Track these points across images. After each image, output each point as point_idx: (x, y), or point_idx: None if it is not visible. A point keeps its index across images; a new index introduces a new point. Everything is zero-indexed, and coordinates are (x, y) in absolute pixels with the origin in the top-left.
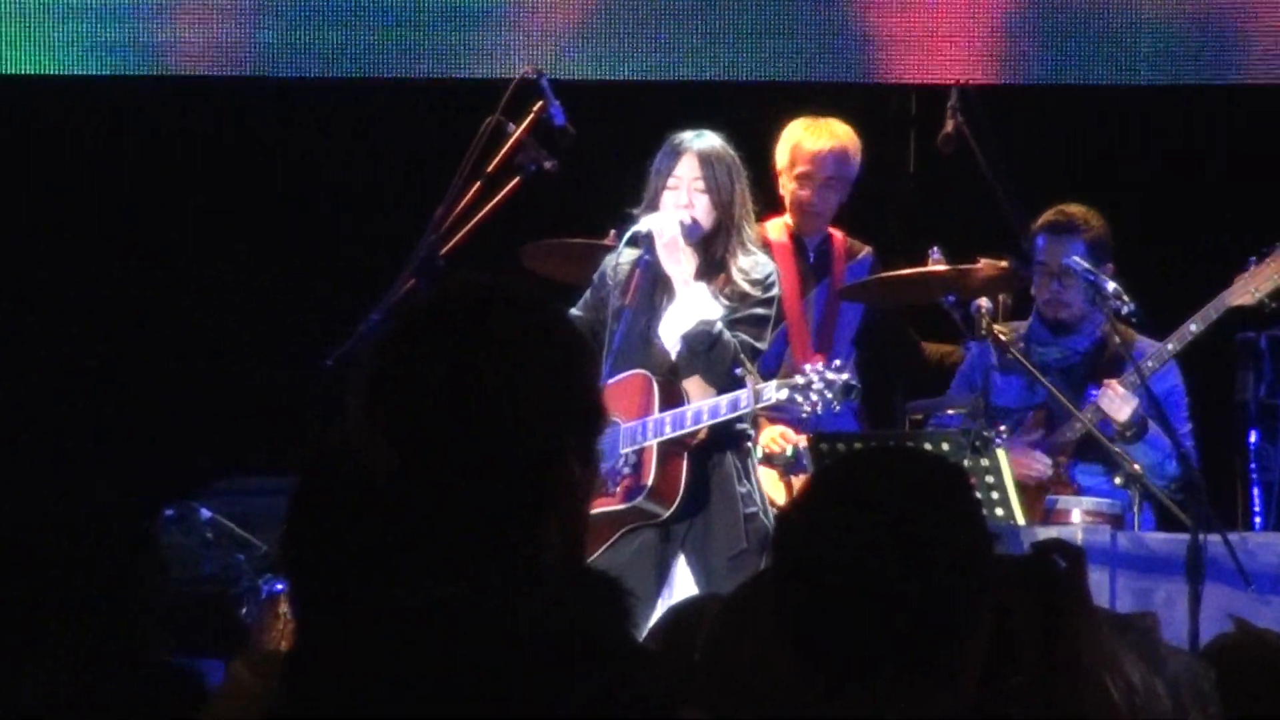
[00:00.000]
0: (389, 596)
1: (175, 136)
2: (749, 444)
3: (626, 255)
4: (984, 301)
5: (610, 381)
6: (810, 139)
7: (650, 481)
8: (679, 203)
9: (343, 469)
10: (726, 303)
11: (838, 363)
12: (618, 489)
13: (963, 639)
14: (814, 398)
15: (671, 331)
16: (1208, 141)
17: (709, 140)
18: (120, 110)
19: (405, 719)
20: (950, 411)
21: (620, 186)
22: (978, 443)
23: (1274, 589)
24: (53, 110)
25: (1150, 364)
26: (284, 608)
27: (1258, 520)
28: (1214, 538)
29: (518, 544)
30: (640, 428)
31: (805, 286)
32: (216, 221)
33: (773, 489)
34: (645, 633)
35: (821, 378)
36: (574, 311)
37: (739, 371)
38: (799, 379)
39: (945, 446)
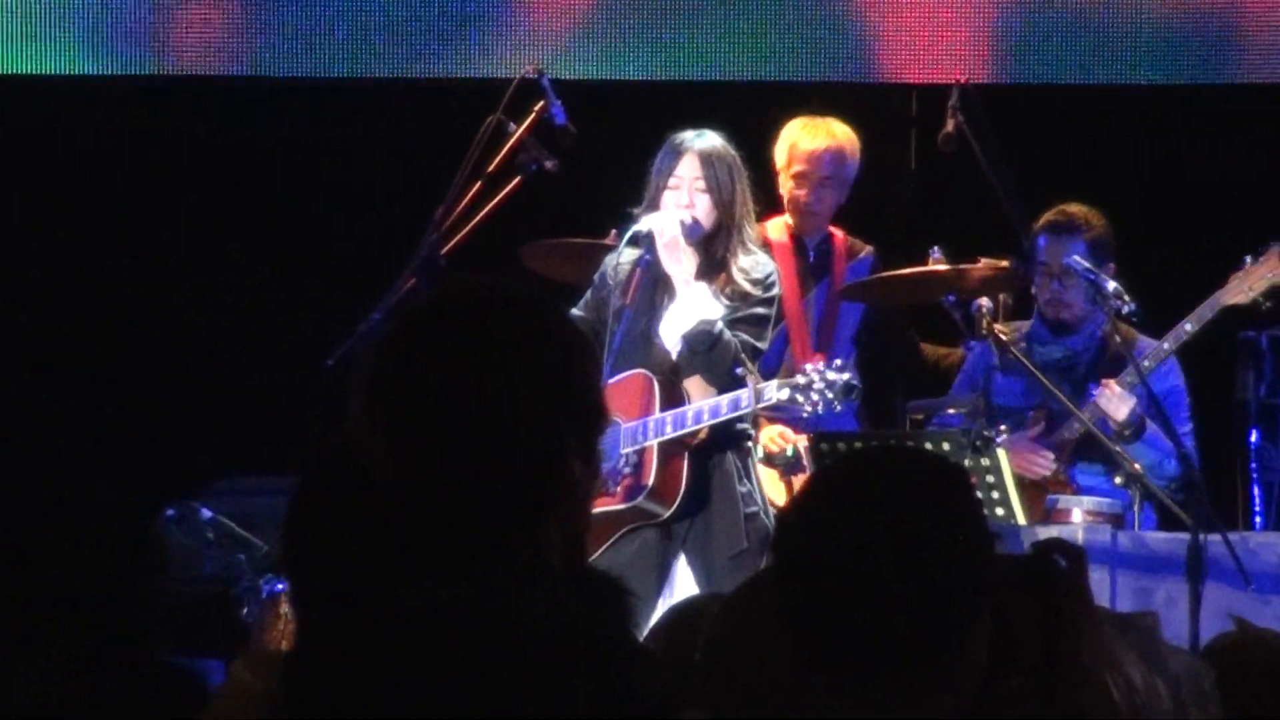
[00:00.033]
0: (390, 597)
1: (175, 136)
2: (750, 444)
3: (627, 255)
4: (984, 301)
5: (611, 381)
6: (806, 138)
7: (651, 481)
8: (680, 202)
9: (343, 469)
10: (727, 302)
11: (839, 362)
12: (618, 489)
13: (963, 639)
14: (815, 397)
15: (672, 331)
16: (1207, 141)
17: (710, 140)
18: (122, 110)
19: (406, 719)
20: (951, 411)
21: (620, 186)
22: (978, 443)
23: (1274, 589)
24: (53, 110)
25: (1147, 363)
26: (285, 608)
27: (1258, 520)
28: (1214, 537)
29: (518, 544)
30: (641, 427)
31: (805, 286)
32: (217, 221)
33: (772, 489)
34: (645, 633)
35: (822, 377)
36: (575, 311)
37: (740, 371)
38: (800, 379)
39: (945, 446)
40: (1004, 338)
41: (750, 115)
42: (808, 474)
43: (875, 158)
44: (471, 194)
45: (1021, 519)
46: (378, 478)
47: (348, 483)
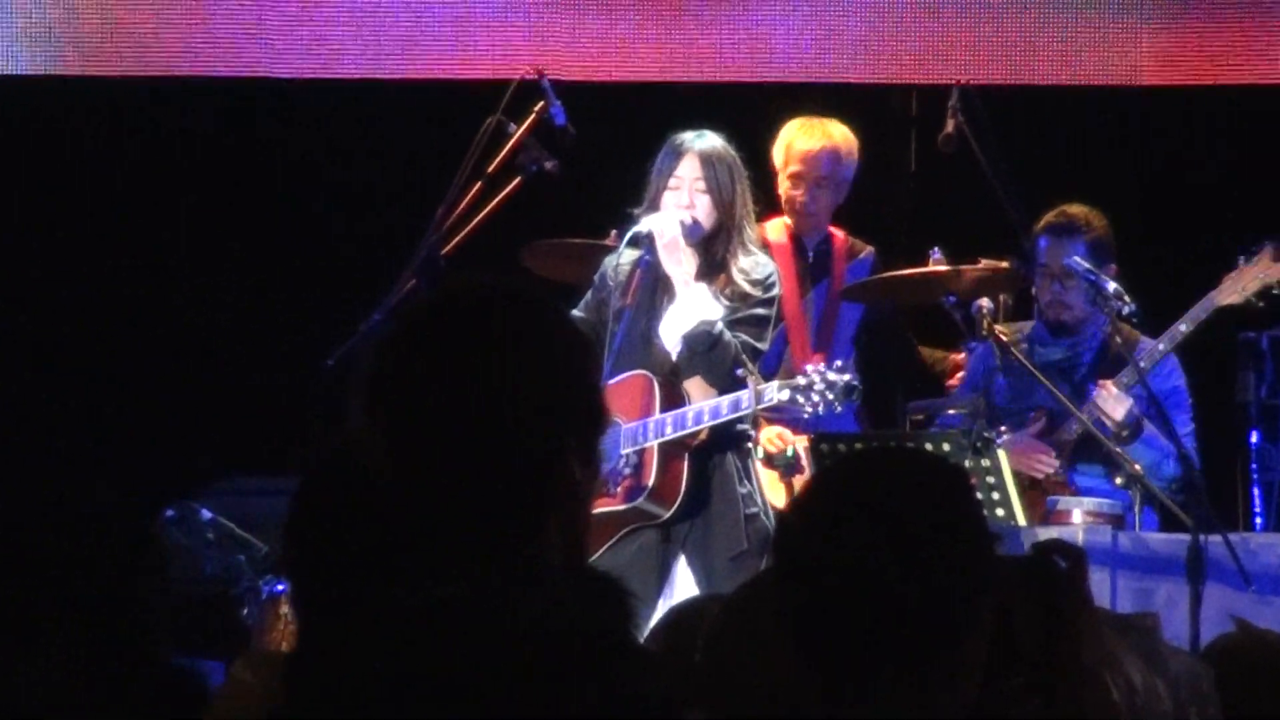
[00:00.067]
0: (390, 597)
1: (175, 136)
2: (750, 445)
3: (627, 255)
4: (985, 302)
5: (611, 382)
6: (802, 139)
7: (651, 482)
8: (680, 203)
9: (344, 469)
10: (727, 303)
11: (839, 363)
12: (619, 489)
13: (963, 640)
14: (815, 398)
15: (672, 332)
16: (1207, 141)
17: (710, 140)
18: (122, 110)
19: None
20: (951, 411)
21: (621, 186)
22: (978, 443)
23: (1275, 589)
24: (53, 110)
25: (1142, 364)
26: (285, 608)
27: (1258, 520)
28: (1215, 538)
29: (519, 544)
30: (641, 428)
31: (804, 286)
32: (217, 221)
33: (771, 490)
34: (646, 633)
35: (823, 378)
36: (575, 312)
37: (740, 372)
38: (800, 379)
39: (945, 447)
40: (1004, 338)
41: (750, 116)
42: (807, 475)
43: (875, 158)
44: (472, 194)
45: (1022, 520)
46: (378, 478)
47: (348, 483)
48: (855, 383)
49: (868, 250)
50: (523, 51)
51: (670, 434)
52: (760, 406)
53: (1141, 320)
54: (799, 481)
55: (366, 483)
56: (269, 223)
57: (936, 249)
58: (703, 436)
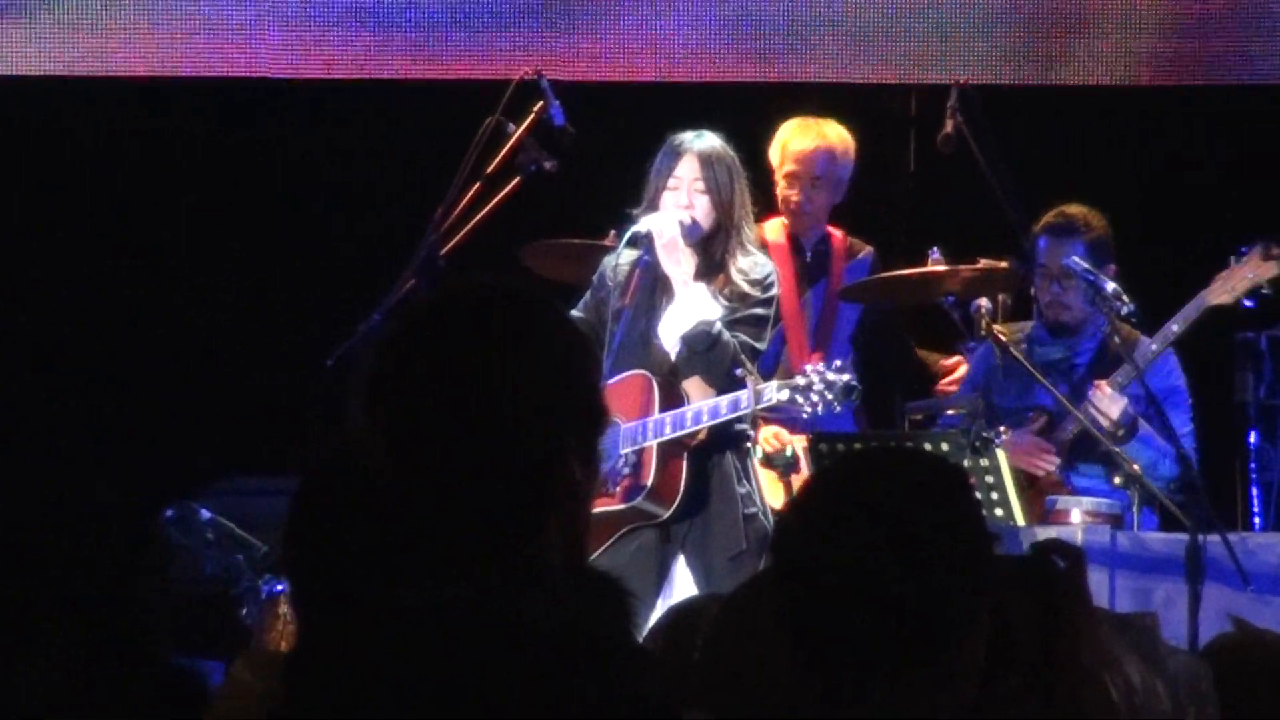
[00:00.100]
0: (390, 597)
1: (175, 136)
2: (749, 444)
3: (626, 256)
4: (984, 302)
5: (610, 382)
6: (797, 139)
7: (650, 482)
8: (679, 203)
9: (344, 469)
10: (726, 303)
11: (838, 363)
12: (618, 489)
13: (962, 639)
14: (814, 398)
15: (671, 332)
16: (1206, 142)
17: (709, 141)
18: (122, 110)
19: (406, 719)
20: (950, 412)
21: (620, 186)
22: (977, 443)
23: (1273, 589)
24: (53, 110)
25: (1138, 364)
26: (284, 608)
27: (1257, 520)
28: (1213, 538)
29: (518, 544)
30: (640, 428)
31: (802, 286)
32: (217, 221)
33: (770, 490)
34: (645, 633)
35: (822, 378)
36: (574, 312)
37: (739, 372)
38: (800, 380)
39: (944, 447)
40: (1003, 338)
41: (749, 116)
42: (805, 475)
43: (875, 158)
44: (471, 195)
45: (1021, 520)
46: (378, 478)
47: (348, 483)
48: (855, 383)
49: (867, 250)
50: (522, 51)
51: (669, 434)
52: (759, 406)
53: (1140, 320)
54: (797, 481)
55: (366, 483)
56: (269, 223)
57: (936, 249)
58: (701, 436)
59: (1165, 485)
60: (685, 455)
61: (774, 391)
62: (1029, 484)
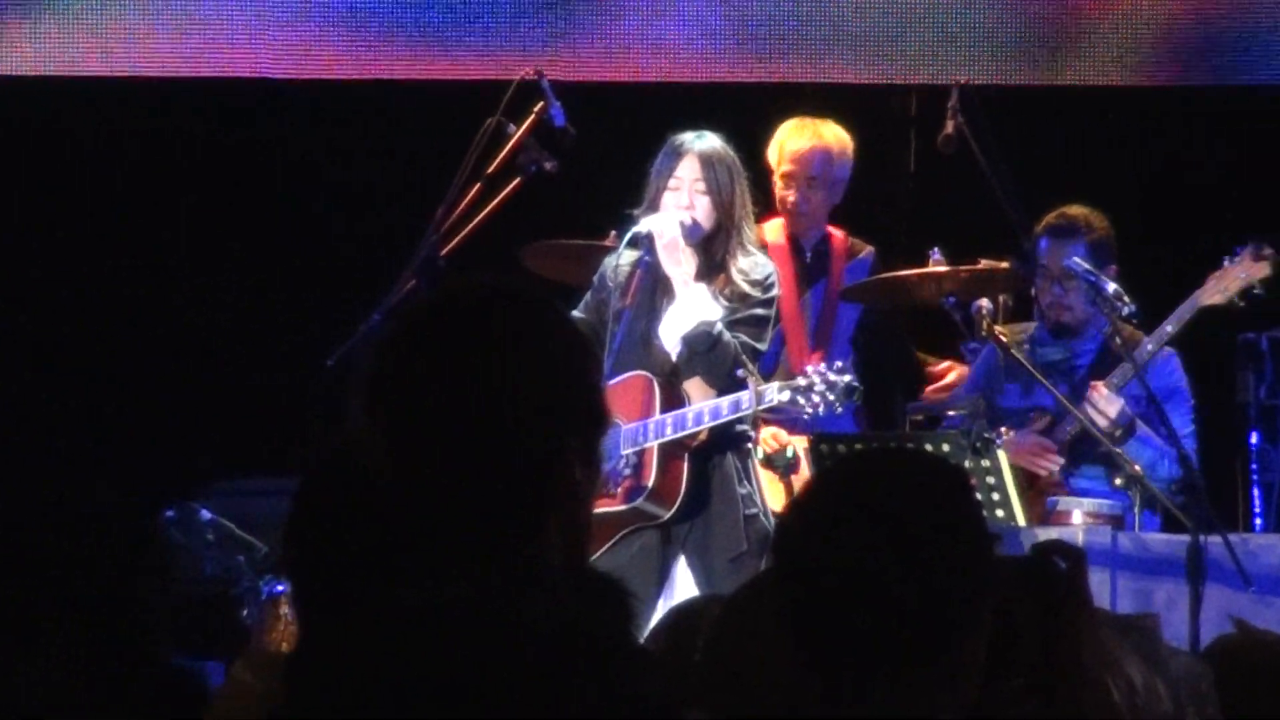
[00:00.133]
0: (391, 597)
1: (175, 137)
2: (749, 445)
3: (626, 256)
4: (984, 302)
5: (611, 383)
6: (794, 139)
7: (651, 483)
8: (680, 204)
9: (344, 470)
10: (726, 304)
11: (839, 364)
12: (618, 490)
13: (963, 640)
14: (816, 399)
15: (672, 332)
16: (1206, 142)
17: (710, 141)
18: (122, 110)
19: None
20: (952, 412)
21: (620, 187)
22: (978, 443)
23: (1275, 590)
24: (53, 110)
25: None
26: (285, 609)
27: (1258, 521)
28: (1215, 539)
29: (519, 545)
30: (641, 429)
31: (802, 287)
32: (217, 221)
33: (770, 491)
34: (646, 634)
35: (823, 379)
36: (574, 313)
37: (740, 373)
38: (801, 380)
39: (945, 448)
40: (1004, 339)
41: (750, 116)
42: (806, 475)
43: (875, 158)
44: (471, 195)
45: (1021, 520)
46: (378, 478)
47: (348, 483)
48: (856, 383)
49: (867, 250)
50: (523, 52)
51: (670, 435)
52: (760, 407)
53: (1141, 321)
54: (797, 482)
55: (366, 483)
56: (269, 223)
57: (936, 249)
58: (702, 437)
59: (1166, 486)
60: (686, 456)
61: (775, 392)
62: (1029, 485)
